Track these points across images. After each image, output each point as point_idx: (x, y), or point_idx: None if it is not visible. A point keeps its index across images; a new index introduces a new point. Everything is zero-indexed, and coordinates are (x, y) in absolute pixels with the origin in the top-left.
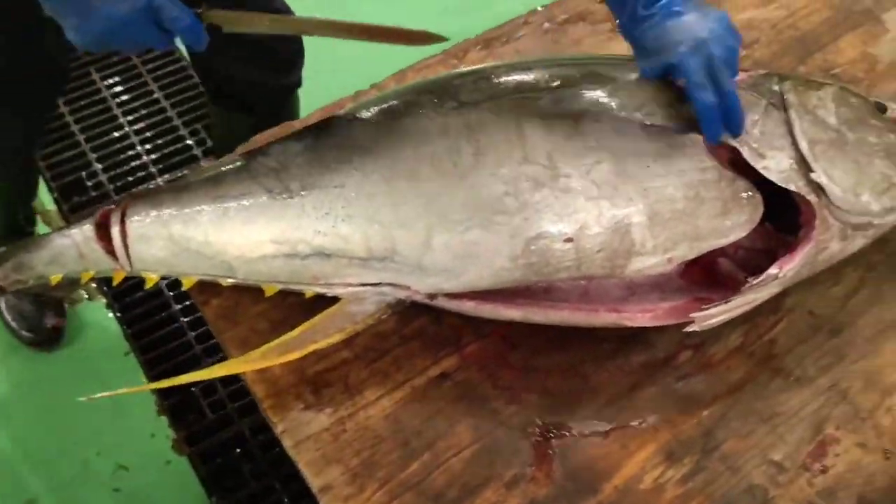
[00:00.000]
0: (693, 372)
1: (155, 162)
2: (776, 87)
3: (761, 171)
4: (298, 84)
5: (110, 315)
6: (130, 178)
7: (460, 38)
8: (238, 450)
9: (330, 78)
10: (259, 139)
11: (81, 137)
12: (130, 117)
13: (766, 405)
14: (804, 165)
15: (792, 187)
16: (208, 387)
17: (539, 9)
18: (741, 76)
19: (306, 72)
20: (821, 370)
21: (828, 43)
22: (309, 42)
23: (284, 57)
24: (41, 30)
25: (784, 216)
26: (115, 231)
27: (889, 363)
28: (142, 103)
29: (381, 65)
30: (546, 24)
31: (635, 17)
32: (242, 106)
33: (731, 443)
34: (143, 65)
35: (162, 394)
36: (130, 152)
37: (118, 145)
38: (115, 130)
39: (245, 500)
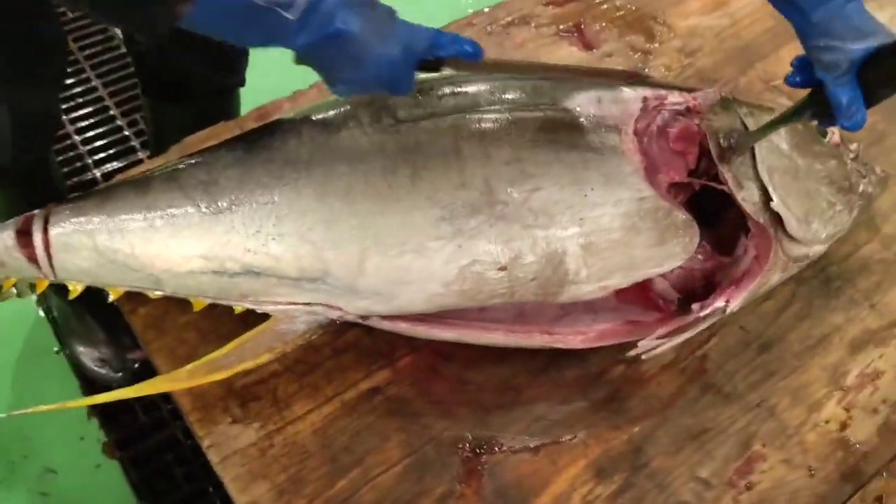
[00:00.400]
0: (625, 387)
1: (91, 152)
2: (737, 110)
3: (741, 203)
4: (240, 84)
5: (41, 313)
6: (65, 170)
7: None
8: (171, 453)
9: (268, 76)
10: (192, 141)
11: None
12: (65, 105)
13: (696, 421)
14: (765, 195)
15: (760, 220)
16: None
17: (485, 10)
18: (687, 97)
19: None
20: (750, 386)
21: (769, 53)
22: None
23: (230, 55)
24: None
25: (715, 226)
26: (38, 239)
27: (816, 379)
28: (79, 91)
29: None
30: (489, 27)
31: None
32: (177, 97)
33: (661, 459)
34: (79, 51)
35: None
36: (67, 142)
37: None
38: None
39: None
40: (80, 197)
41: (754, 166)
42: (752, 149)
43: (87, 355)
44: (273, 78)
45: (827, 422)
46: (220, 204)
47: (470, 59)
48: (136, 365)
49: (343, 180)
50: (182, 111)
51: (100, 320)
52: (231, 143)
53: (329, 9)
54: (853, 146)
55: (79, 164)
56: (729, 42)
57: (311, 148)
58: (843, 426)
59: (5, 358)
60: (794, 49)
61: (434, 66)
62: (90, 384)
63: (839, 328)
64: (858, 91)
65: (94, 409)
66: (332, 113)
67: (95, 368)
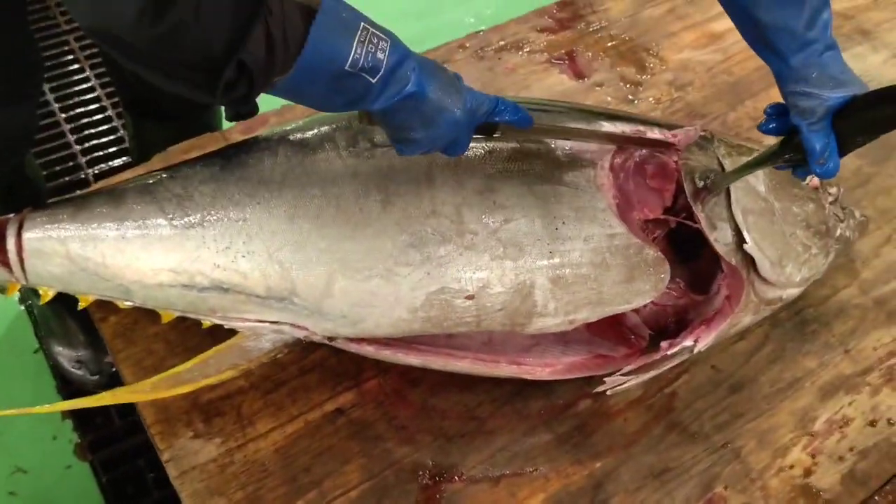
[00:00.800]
0: (590, 422)
1: (84, 152)
2: (714, 150)
3: (713, 244)
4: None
5: (21, 308)
6: (57, 168)
7: None
8: (143, 458)
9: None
10: (174, 151)
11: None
12: (60, 104)
13: (659, 460)
14: (739, 236)
15: (732, 261)
16: None
17: (480, 32)
18: (667, 134)
19: None
20: (717, 427)
21: (759, 91)
22: None
23: None
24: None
25: (693, 262)
26: (11, 243)
27: (783, 423)
28: (76, 91)
29: None
30: (481, 50)
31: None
32: (157, 115)
33: (620, 497)
34: (80, 51)
35: (69, 397)
36: (60, 140)
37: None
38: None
39: None
40: (56, 204)
41: (729, 207)
42: (728, 189)
43: (65, 356)
44: None
45: (791, 467)
46: (192, 218)
47: (523, 127)
48: (113, 368)
49: (314, 202)
50: (162, 127)
51: (79, 322)
52: (209, 157)
53: (406, 72)
54: (832, 190)
55: (71, 164)
56: (720, 77)
57: (285, 168)
58: (808, 472)
59: None
60: None
61: (489, 129)
62: (67, 384)
63: (811, 372)
64: (832, 138)
65: (69, 411)
66: (309, 134)
67: (72, 370)
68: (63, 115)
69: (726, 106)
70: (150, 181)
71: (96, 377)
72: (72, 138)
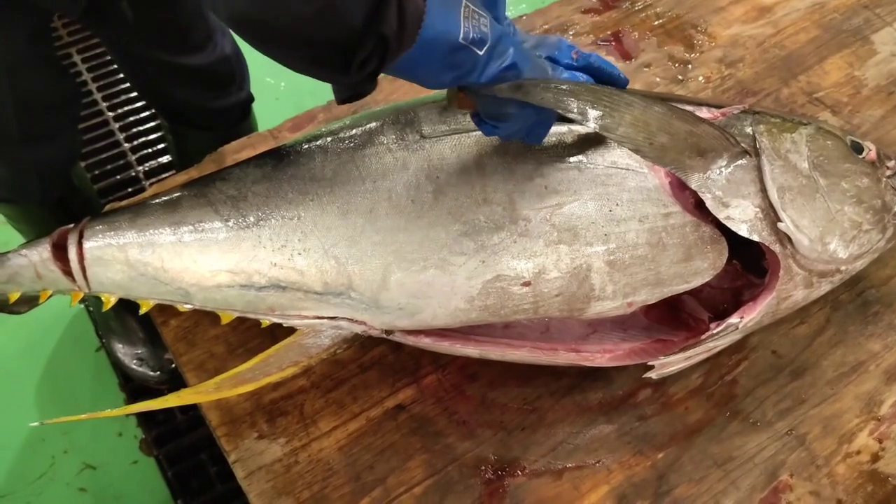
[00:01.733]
0: (651, 412)
1: (139, 161)
2: (749, 130)
3: (724, 221)
4: (242, 103)
5: (81, 307)
6: (109, 166)
7: None
8: (206, 452)
9: (304, 84)
10: (226, 151)
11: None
12: (107, 103)
13: (722, 449)
14: (771, 214)
15: (756, 237)
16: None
17: (522, 16)
18: (715, 114)
19: (280, 77)
20: (780, 414)
21: (813, 64)
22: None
23: (219, 80)
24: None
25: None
26: (73, 253)
27: (849, 408)
28: (123, 89)
29: None
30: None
31: None
32: (196, 125)
33: (684, 487)
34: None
35: (132, 393)
36: (110, 139)
37: (98, 132)
38: (95, 117)
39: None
40: (114, 212)
41: (760, 181)
42: (759, 167)
43: (126, 353)
44: (308, 86)
45: (858, 452)
46: (247, 219)
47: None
48: (174, 364)
49: (367, 197)
50: (203, 137)
51: (138, 320)
52: (260, 158)
53: (507, 46)
54: (891, 163)
55: (122, 162)
56: (771, 52)
57: (336, 165)
58: (875, 458)
59: (49, 353)
60: (840, 60)
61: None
62: (129, 381)
63: (876, 355)
64: None
65: None
66: (358, 130)
67: (134, 367)
68: (111, 114)
69: (779, 81)
70: (204, 184)
71: (157, 373)
72: (121, 136)
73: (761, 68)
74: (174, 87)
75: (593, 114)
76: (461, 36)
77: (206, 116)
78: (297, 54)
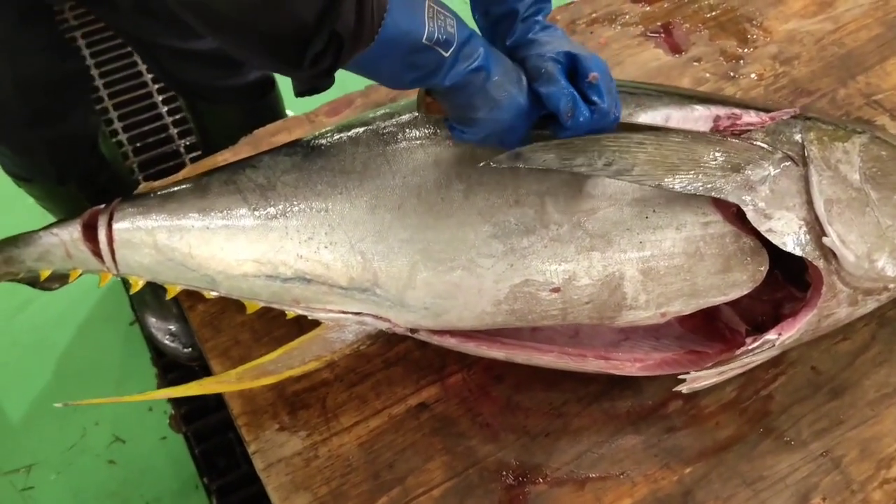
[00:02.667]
0: (681, 424)
1: (180, 136)
2: (798, 137)
3: (765, 234)
4: (261, 82)
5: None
6: (151, 139)
7: None
8: (232, 432)
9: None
10: (261, 134)
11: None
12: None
13: (752, 467)
14: (817, 227)
15: (799, 252)
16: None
17: (570, 4)
18: (764, 118)
19: None
20: (815, 434)
21: (873, 64)
22: None
23: (228, 61)
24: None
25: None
26: (102, 234)
27: (889, 432)
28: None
29: None
30: (573, 24)
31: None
32: (211, 99)
33: None
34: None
35: (164, 368)
36: (152, 112)
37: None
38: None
39: (235, 483)
40: (145, 195)
41: (807, 192)
42: (806, 177)
43: (159, 328)
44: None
45: None
46: (275, 209)
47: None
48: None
49: (396, 192)
50: (213, 109)
51: None
52: (291, 147)
53: (475, 48)
54: None
55: (164, 135)
56: (830, 50)
57: (366, 158)
58: None
59: (83, 325)
60: None
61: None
62: (161, 356)
63: None
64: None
65: (164, 382)
66: (391, 123)
67: (166, 342)
68: (156, 87)
69: (836, 81)
70: (234, 171)
71: (189, 350)
72: (163, 109)
73: (818, 67)
74: (182, 69)
75: (601, 162)
76: (425, 36)
77: (220, 94)
78: (245, 43)
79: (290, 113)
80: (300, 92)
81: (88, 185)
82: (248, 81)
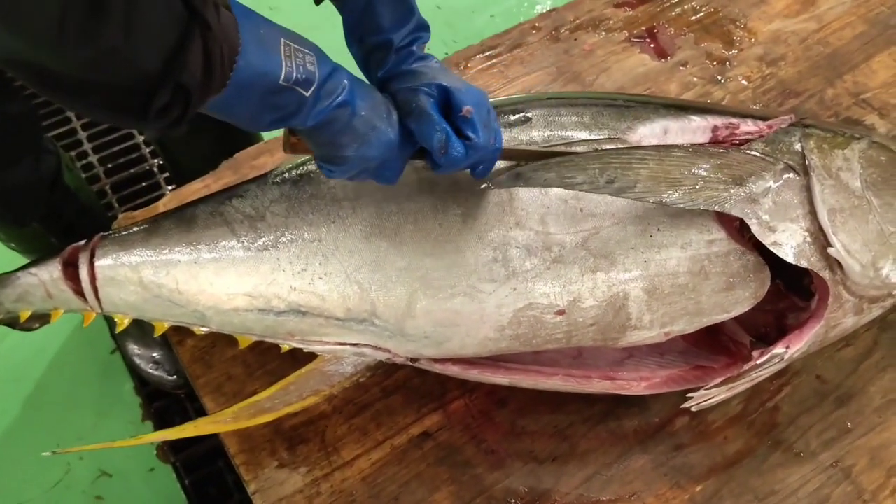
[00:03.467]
0: (688, 441)
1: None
2: (798, 146)
3: (770, 248)
4: None
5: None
6: (122, 160)
7: (464, 42)
8: (222, 460)
9: None
10: (242, 157)
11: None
12: None
13: (763, 482)
14: (821, 238)
15: (804, 264)
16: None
17: (551, 11)
18: (762, 127)
19: None
20: (824, 444)
21: (859, 63)
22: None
23: None
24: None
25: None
26: (84, 272)
27: None
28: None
29: None
30: (556, 31)
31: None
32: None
33: None
34: None
35: (147, 398)
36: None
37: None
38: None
39: None
40: (127, 229)
41: (808, 203)
42: (809, 187)
43: (142, 356)
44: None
45: None
46: (265, 240)
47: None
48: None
49: (391, 219)
50: (194, 141)
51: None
52: (278, 174)
53: (338, 84)
54: None
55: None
56: (815, 49)
57: (358, 184)
58: None
59: (63, 356)
60: (888, 58)
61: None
62: (145, 385)
63: None
64: (446, 126)
65: (149, 412)
66: None
67: (150, 370)
68: None
69: (823, 81)
70: (220, 202)
71: (174, 377)
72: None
73: (804, 67)
74: None
75: (603, 180)
76: (283, 77)
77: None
78: (86, 101)
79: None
80: (151, 138)
81: (53, 222)
82: None
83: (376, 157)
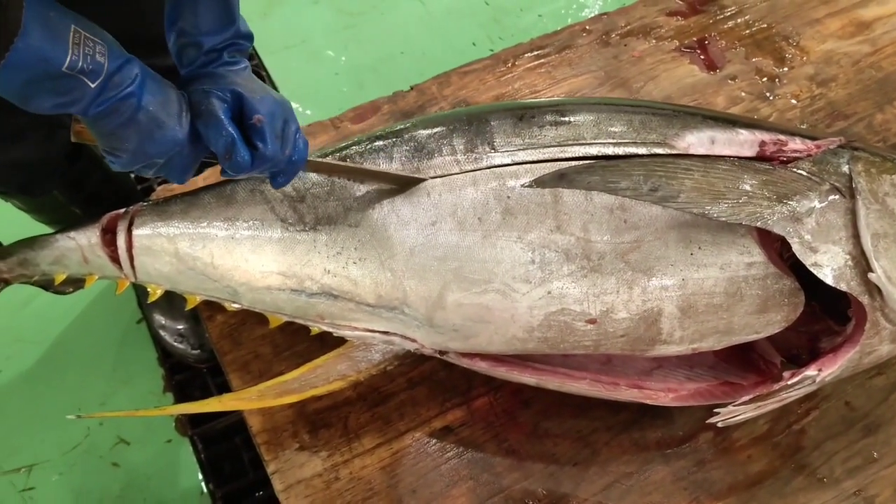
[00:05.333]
0: (711, 457)
1: None
2: (845, 168)
3: (810, 268)
4: None
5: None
6: None
7: (510, 39)
8: (239, 437)
9: (368, 74)
10: None
11: None
12: None
13: None
14: (863, 262)
15: (843, 287)
16: (218, 366)
17: (603, 15)
18: (810, 146)
19: (341, 65)
20: (849, 472)
21: None
22: (344, 36)
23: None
24: None
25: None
26: (121, 239)
27: None
28: None
29: (424, 64)
30: (606, 35)
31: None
32: None
33: None
34: None
35: (170, 370)
36: None
37: None
38: None
39: (243, 490)
40: (167, 200)
41: (851, 226)
42: (854, 210)
43: (168, 328)
44: (368, 61)
45: None
46: (304, 221)
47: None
48: (213, 345)
49: (430, 210)
50: None
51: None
52: (320, 156)
53: (127, 77)
54: None
55: None
56: (867, 73)
57: (400, 172)
58: None
59: (89, 323)
60: None
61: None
62: (168, 356)
63: None
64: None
65: (171, 384)
66: (425, 134)
67: (174, 343)
68: None
69: (873, 106)
70: (261, 180)
71: (197, 351)
72: None
73: (855, 90)
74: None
75: (647, 187)
76: (66, 64)
77: None
78: None
79: (292, 105)
80: None
81: (74, 192)
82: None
83: (159, 153)
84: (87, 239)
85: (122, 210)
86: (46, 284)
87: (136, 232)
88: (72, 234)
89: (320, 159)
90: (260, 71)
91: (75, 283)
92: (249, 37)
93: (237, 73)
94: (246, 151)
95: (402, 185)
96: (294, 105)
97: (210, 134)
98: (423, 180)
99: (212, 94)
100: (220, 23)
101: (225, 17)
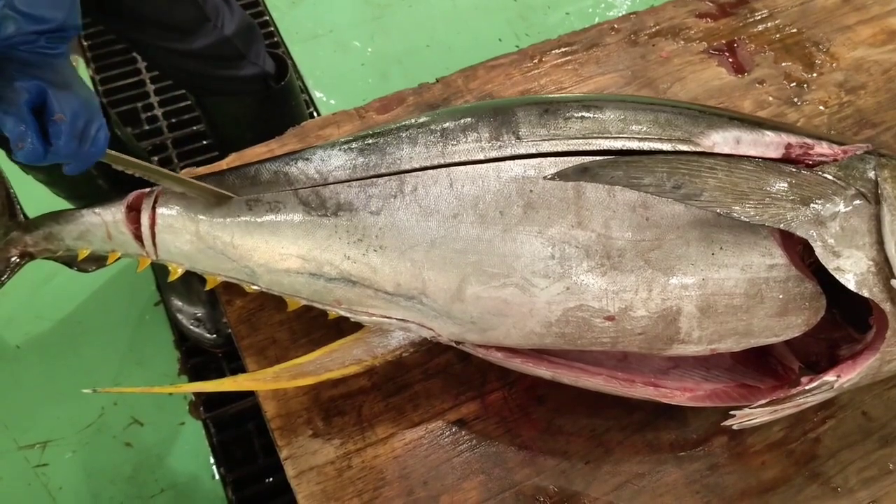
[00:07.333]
0: (724, 461)
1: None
2: (871, 174)
3: (832, 272)
4: (261, 75)
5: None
6: (185, 117)
7: (536, 36)
8: (252, 423)
9: (393, 66)
10: (309, 126)
11: (143, 66)
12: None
13: None
14: (886, 269)
15: (865, 293)
16: (233, 352)
17: (631, 14)
18: (836, 151)
19: (367, 56)
20: (863, 482)
21: None
22: (371, 28)
23: (222, 58)
24: None
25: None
26: (145, 217)
27: None
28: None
29: (450, 57)
30: (634, 35)
31: None
32: (211, 93)
33: None
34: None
35: (185, 353)
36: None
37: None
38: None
39: (253, 476)
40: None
41: (878, 231)
42: (879, 216)
43: (185, 312)
44: (394, 53)
45: None
46: (325, 206)
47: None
48: (230, 329)
49: (452, 201)
50: (217, 99)
51: (202, 280)
52: (346, 143)
53: None
54: None
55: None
56: None
57: (423, 161)
58: None
59: (107, 303)
60: None
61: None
62: (184, 340)
63: None
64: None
65: (186, 367)
66: (451, 124)
67: (191, 326)
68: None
69: None
70: (285, 162)
71: (213, 336)
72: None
73: (884, 98)
74: (178, 65)
75: (670, 185)
76: None
77: (224, 85)
78: None
79: (317, 95)
80: None
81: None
82: (246, 74)
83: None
84: (112, 215)
85: (148, 189)
86: (70, 260)
87: (160, 210)
88: (97, 209)
89: (119, 154)
90: (286, 59)
91: (98, 260)
92: (77, 28)
93: (53, 58)
94: (40, 144)
95: (209, 197)
96: (318, 94)
97: (5, 121)
98: (231, 197)
99: (16, 81)
100: (53, 7)
101: (59, 2)
